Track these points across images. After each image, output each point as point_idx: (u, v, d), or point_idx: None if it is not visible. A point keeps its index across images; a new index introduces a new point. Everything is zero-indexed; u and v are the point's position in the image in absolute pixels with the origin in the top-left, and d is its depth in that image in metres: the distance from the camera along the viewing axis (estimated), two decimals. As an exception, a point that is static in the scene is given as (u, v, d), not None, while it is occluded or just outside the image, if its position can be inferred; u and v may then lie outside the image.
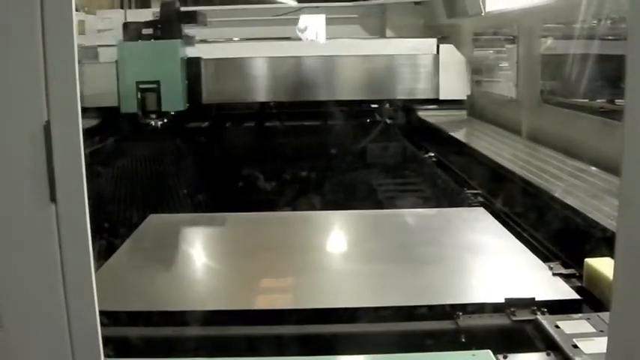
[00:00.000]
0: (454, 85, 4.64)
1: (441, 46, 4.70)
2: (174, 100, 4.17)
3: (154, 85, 4.10)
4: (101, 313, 1.20)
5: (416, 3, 5.80)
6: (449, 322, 1.79)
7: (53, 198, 1.07)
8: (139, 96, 4.09)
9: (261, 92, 4.61)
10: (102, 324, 1.21)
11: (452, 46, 4.71)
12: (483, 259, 2.20)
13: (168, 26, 4.21)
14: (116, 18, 5.04)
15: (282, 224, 2.66)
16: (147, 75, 4.12)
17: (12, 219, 1.09)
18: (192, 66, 4.39)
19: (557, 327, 1.71)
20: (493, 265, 2.14)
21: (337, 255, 2.42)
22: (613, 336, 1.20)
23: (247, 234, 2.56)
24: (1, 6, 1.07)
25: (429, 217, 2.65)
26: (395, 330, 1.80)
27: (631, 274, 1.15)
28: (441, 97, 4.66)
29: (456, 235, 2.42)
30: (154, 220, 2.70)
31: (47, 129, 1.05)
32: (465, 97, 4.69)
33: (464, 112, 4.74)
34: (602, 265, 1.88)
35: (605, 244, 1.96)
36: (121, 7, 5.58)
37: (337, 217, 2.72)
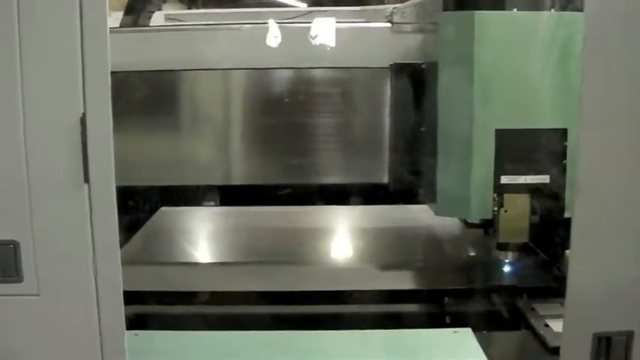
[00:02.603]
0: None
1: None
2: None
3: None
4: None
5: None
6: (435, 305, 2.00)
7: (87, 179, 1.28)
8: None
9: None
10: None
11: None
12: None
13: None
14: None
15: (294, 218, 2.81)
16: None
17: (52, 197, 1.29)
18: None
19: (532, 309, 1.92)
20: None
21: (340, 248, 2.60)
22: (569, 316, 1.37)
23: (258, 227, 2.72)
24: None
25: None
26: (383, 311, 2.00)
27: (586, 255, 1.32)
28: None
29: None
30: (165, 212, 2.86)
31: (83, 120, 1.26)
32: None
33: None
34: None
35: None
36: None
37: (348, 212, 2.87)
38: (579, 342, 1.34)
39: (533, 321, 1.85)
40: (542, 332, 1.79)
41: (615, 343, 1.32)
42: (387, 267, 2.26)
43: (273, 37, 2.28)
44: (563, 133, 1.93)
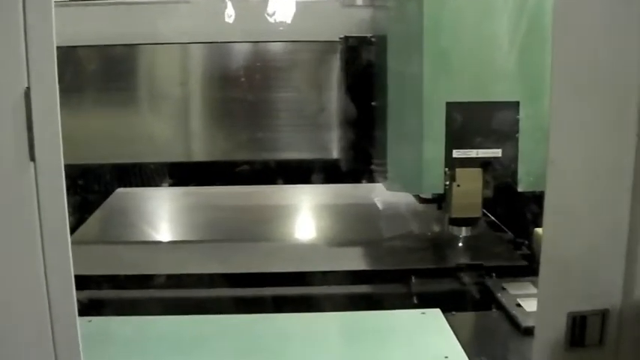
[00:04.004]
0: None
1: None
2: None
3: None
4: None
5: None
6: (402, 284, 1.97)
7: (32, 157, 1.22)
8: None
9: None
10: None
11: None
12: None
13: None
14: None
15: (250, 198, 2.79)
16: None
17: (-3, 175, 1.23)
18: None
19: (503, 289, 1.89)
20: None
21: (292, 227, 2.59)
22: (543, 295, 1.35)
23: (217, 206, 2.70)
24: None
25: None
26: (349, 292, 1.96)
27: (559, 231, 1.30)
28: None
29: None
30: (122, 193, 2.81)
31: (27, 94, 1.20)
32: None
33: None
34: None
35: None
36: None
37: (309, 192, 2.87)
38: (554, 322, 1.31)
39: (504, 300, 1.83)
40: (514, 312, 1.76)
41: (590, 323, 1.30)
42: (345, 246, 2.26)
43: (227, 11, 2.26)
44: (516, 106, 1.94)
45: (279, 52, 2.33)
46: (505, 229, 2.33)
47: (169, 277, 1.99)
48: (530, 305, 1.75)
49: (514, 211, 2.18)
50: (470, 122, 1.94)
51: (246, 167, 2.70)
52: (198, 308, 1.89)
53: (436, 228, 2.31)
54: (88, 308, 1.72)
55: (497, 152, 1.95)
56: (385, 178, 2.08)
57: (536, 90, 1.92)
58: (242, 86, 2.33)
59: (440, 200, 2.07)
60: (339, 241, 2.30)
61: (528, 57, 1.92)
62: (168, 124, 2.40)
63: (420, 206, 2.31)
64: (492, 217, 2.38)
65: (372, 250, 2.19)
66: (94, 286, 1.92)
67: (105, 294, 1.93)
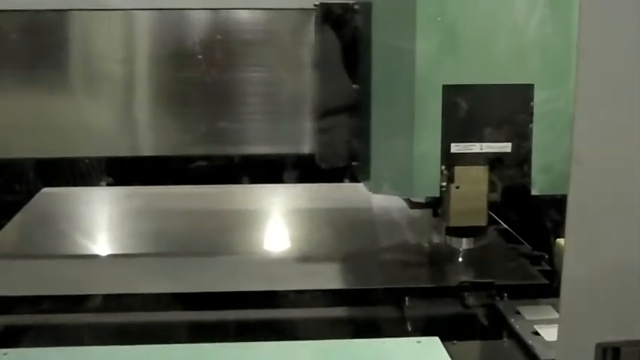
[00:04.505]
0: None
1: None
2: None
3: None
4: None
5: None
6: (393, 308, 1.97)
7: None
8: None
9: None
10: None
11: None
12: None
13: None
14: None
15: (207, 199, 2.80)
16: None
17: None
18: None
19: (517, 313, 1.88)
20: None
21: (259, 237, 2.58)
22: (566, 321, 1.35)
23: (165, 210, 2.71)
24: None
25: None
26: (333, 316, 1.97)
27: (586, 243, 1.30)
28: None
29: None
30: (48, 193, 2.79)
31: None
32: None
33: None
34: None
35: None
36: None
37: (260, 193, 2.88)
38: (579, 354, 1.31)
39: (518, 327, 1.81)
40: (530, 342, 1.74)
41: (625, 356, 1.29)
42: (324, 260, 2.25)
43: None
44: (530, 89, 1.92)
45: (243, 22, 2.31)
46: (520, 239, 2.33)
47: (107, 298, 1.97)
48: (550, 334, 1.74)
49: (531, 217, 2.18)
50: (473, 109, 1.92)
51: (203, 164, 2.68)
52: (143, 336, 1.86)
53: (433, 238, 2.31)
54: (3, 338, 1.71)
55: (506, 146, 1.94)
56: (369, 177, 2.06)
57: (556, 69, 1.91)
58: (199, 65, 2.31)
59: (436, 205, 2.06)
60: (317, 254, 2.29)
61: (547, 29, 1.91)
62: (108, 110, 2.37)
63: (413, 212, 2.31)
64: (505, 225, 2.38)
65: (356, 265, 2.19)
66: (12, 311, 1.90)
67: (25, 320, 1.91)
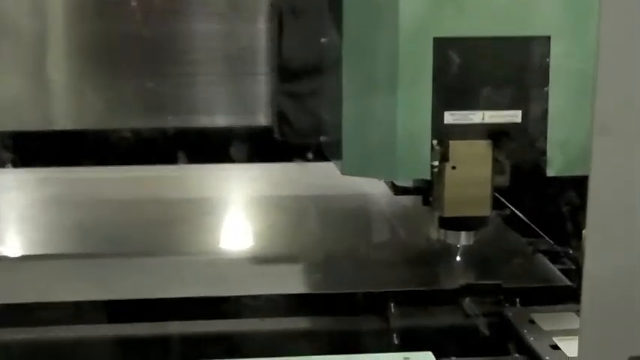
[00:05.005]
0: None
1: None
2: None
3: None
4: None
5: None
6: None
7: None
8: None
9: None
10: None
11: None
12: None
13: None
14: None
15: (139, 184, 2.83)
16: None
17: None
18: None
19: (531, 322, 1.90)
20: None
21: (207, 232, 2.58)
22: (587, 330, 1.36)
23: (89, 199, 2.71)
24: None
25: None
26: (301, 327, 1.98)
27: (612, 234, 1.31)
28: None
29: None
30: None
31: None
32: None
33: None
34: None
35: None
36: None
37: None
38: (607, 372, 1.33)
39: (532, 340, 1.83)
40: (547, 358, 1.77)
41: (665, 372, 1.31)
42: (290, 260, 2.28)
43: None
44: (545, 43, 1.91)
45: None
46: (537, 229, 2.34)
47: (12, 308, 1.97)
48: (573, 347, 1.76)
49: (551, 203, 2.18)
50: (472, 69, 1.90)
51: (132, 139, 2.66)
52: (59, 357, 1.89)
53: (425, 232, 2.28)
54: None
55: (514, 115, 1.92)
56: (340, 155, 2.02)
57: (576, 18, 1.90)
58: (128, 14, 2.30)
59: (425, 191, 2.05)
60: (279, 252, 2.32)
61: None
62: (13, 73, 2.38)
63: (398, 199, 2.32)
64: (516, 212, 2.39)
65: (329, 266, 2.21)
66: None
67: None
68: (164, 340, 1.95)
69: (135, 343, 1.95)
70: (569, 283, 2.07)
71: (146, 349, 1.94)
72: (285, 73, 2.15)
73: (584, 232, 2.00)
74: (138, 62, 2.31)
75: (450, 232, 2.08)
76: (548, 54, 1.90)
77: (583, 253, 2.01)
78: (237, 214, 2.69)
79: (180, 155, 2.63)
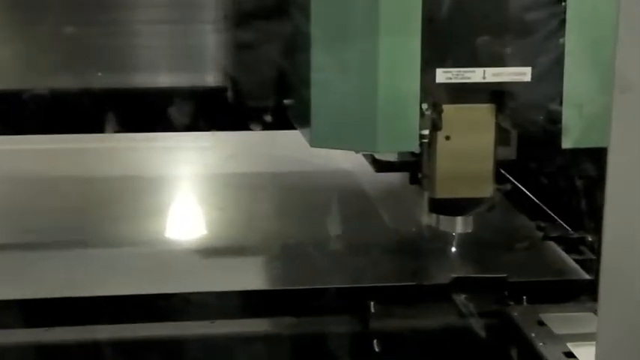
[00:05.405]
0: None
1: None
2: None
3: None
4: None
5: None
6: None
7: None
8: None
9: None
10: None
11: None
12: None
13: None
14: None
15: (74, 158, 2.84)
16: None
17: None
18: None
19: (540, 324, 1.90)
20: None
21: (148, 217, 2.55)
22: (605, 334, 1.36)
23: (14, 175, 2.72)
24: None
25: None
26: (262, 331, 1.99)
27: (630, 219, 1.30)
28: None
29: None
30: None
31: None
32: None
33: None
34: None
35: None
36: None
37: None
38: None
39: (542, 346, 1.82)
40: (559, 368, 1.76)
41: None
42: (250, 251, 2.27)
43: None
44: None
45: None
46: (550, 212, 2.34)
47: None
48: (590, 355, 1.76)
49: (566, 181, 2.17)
50: (471, 14, 1.90)
51: (46, 97, 2.63)
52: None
53: (413, 216, 2.30)
54: None
55: (522, 73, 1.91)
56: (308, 122, 2.00)
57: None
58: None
59: (413, 166, 2.06)
60: (235, 241, 2.32)
61: None
62: None
63: (381, 176, 2.32)
64: (524, 190, 2.39)
65: (297, 257, 2.22)
66: None
67: None
68: (91, 348, 1.94)
69: (56, 352, 1.95)
70: (586, 276, 2.06)
71: (69, 358, 1.93)
72: (241, 20, 2.13)
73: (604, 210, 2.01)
74: (57, 4, 2.30)
75: (444, 217, 2.07)
76: (561, -1, 1.87)
77: (601, 238, 2.02)
78: (182, 195, 2.68)
79: (110, 122, 2.61)
